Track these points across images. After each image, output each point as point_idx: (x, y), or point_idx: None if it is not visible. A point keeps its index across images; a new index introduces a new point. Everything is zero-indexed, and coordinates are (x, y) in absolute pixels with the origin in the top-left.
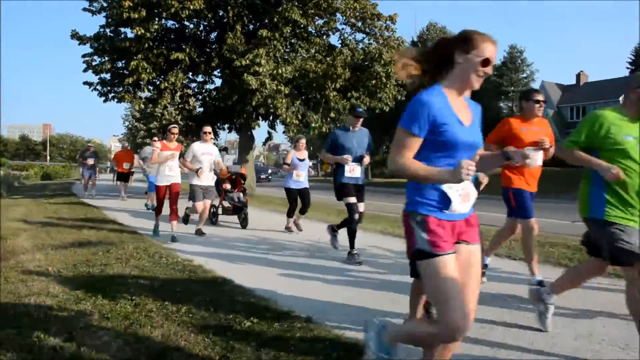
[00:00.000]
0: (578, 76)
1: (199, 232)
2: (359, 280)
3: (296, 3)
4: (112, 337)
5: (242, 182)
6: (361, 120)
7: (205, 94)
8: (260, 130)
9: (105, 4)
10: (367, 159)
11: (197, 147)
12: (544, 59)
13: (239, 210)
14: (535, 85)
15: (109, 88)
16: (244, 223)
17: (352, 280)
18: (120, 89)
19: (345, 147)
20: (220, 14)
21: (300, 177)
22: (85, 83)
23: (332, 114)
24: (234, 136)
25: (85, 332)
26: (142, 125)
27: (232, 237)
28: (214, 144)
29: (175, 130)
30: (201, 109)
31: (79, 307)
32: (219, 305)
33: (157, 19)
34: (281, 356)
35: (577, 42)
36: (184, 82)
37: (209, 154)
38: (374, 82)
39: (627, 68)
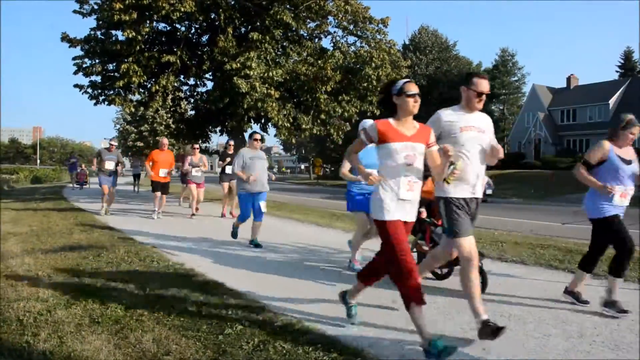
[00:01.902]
0: (569, 79)
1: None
2: (351, 282)
3: (288, 6)
4: (102, 342)
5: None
6: None
7: (197, 97)
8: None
9: (96, 7)
10: None
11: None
12: (535, 63)
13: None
14: (526, 88)
15: (99, 91)
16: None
17: (345, 283)
18: (111, 92)
19: None
20: (212, 16)
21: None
22: (75, 86)
23: (323, 117)
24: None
25: (75, 337)
26: (133, 128)
27: (223, 241)
28: (206, 147)
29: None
30: (192, 112)
31: (69, 312)
32: (210, 309)
33: (148, 21)
34: (273, 359)
35: (568, 45)
36: (176, 85)
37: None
38: (365, 84)
39: (617, 72)
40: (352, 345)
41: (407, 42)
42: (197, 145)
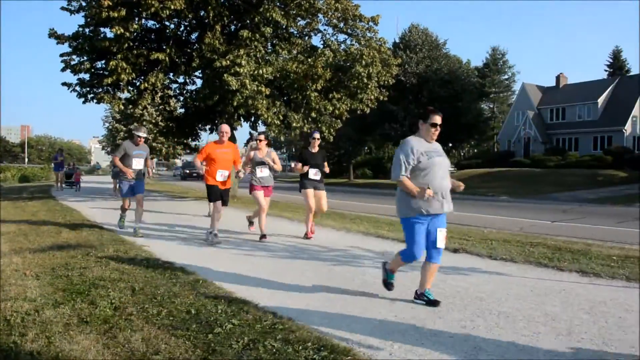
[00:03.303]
0: (558, 78)
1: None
2: (341, 281)
3: (277, 3)
4: (91, 342)
5: None
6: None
7: (186, 95)
8: (242, 131)
9: (84, 3)
10: None
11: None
12: (525, 61)
13: None
14: (516, 86)
15: (88, 89)
16: None
17: (335, 281)
18: (100, 89)
19: None
20: (201, 14)
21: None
22: (64, 84)
23: (313, 114)
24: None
25: (63, 337)
26: (122, 126)
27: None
28: (195, 145)
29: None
30: (182, 110)
31: (57, 312)
32: (200, 307)
33: (137, 18)
34: (263, 358)
35: (558, 44)
36: (165, 82)
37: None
38: (355, 82)
39: (605, 70)
40: (342, 343)
41: (397, 41)
42: (262, 137)
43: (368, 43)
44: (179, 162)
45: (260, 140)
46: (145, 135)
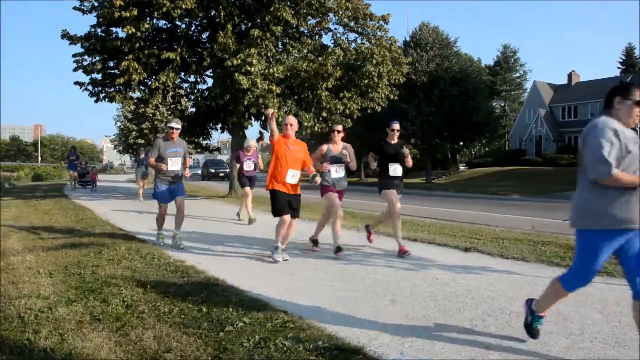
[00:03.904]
0: (570, 76)
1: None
2: (352, 280)
3: (288, 3)
4: (103, 339)
5: None
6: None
7: (197, 94)
8: (252, 130)
9: (96, 3)
10: None
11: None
12: (536, 59)
13: None
14: (528, 84)
15: (100, 88)
16: None
17: (345, 279)
18: (111, 89)
19: None
20: (212, 13)
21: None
22: (76, 83)
23: (324, 114)
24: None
25: (76, 334)
26: (134, 125)
27: (224, 237)
28: (206, 144)
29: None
30: (193, 109)
31: (70, 309)
32: (211, 306)
33: (148, 18)
34: (274, 356)
35: (570, 42)
36: (176, 82)
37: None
38: (366, 81)
39: (618, 68)
40: (352, 342)
41: (407, 39)
42: (339, 127)
43: (379, 42)
44: (190, 161)
45: (338, 132)
46: (178, 125)
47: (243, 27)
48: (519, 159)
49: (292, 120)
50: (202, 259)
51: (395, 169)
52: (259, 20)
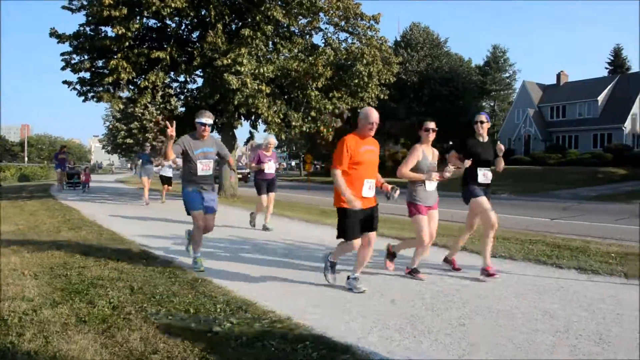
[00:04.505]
0: (558, 76)
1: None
2: (341, 280)
3: (279, 2)
4: (89, 341)
5: None
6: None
7: (187, 94)
8: (242, 130)
9: (85, 2)
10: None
11: None
12: (526, 59)
13: None
14: (517, 84)
15: (88, 87)
16: None
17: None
18: (100, 88)
19: None
20: (202, 12)
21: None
22: (64, 82)
23: (313, 114)
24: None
25: (61, 337)
26: (123, 125)
27: (212, 238)
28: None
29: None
30: (183, 109)
31: (55, 311)
32: (199, 307)
33: (138, 17)
34: (261, 357)
35: (559, 43)
36: (165, 81)
37: None
38: (356, 81)
39: (606, 68)
40: (340, 341)
41: (398, 39)
42: (432, 124)
43: (369, 42)
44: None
45: (434, 130)
46: (209, 121)
47: (233, 26)
48: (508, 158)
49: (373, 114)
50: (189, 259)
51: (485, 174)
52: (249, 20)
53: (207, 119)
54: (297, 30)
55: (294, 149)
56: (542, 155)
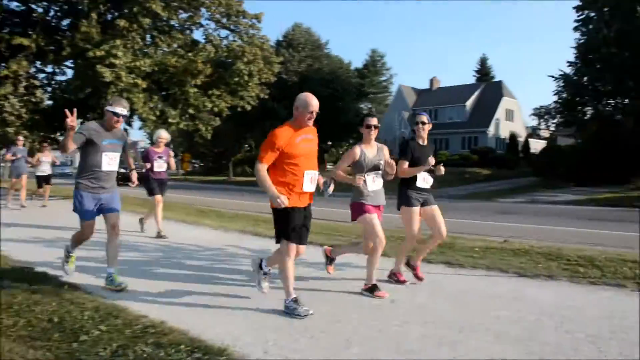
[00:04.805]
0: (431, 81)
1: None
2: (218, 280)
3: None
4: None
5: None
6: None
7: (55, 86)
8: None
9: None
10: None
11: None
12: (402, 64)
13: None
14: (393, 88)
15: None
16: None
17: (211, 280)
18: None
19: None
20: None
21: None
22: None
23: (192, 111)
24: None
25: None
26: None
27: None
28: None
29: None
30: (50, 102)
31: None
32: (64, 314)
33: None
34: None
35: (432, 50)
36: (30, 71)
37: None
38: (236, 79)
39: (474, 76)
40: (216, 344)
41: (280, 39)
42: (374, 121)
43: (250, 40)
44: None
45: (375, 127)
46: (124, 112)
47: (109, 16)
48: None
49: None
50: (54, 264)
51: (425, 179)
52: (126, 11)
53: (122, 109)
54: (176, 25)
55: (172, 147)
56: None
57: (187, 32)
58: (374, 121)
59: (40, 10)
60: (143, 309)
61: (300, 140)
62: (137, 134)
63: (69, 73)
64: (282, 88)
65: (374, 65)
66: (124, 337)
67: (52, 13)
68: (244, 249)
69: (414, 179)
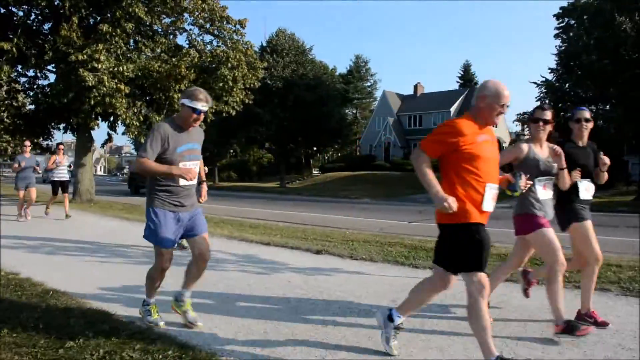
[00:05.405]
0: (415, 87)
1: None
2: (205, 286)
3: None
4: None
5: None
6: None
7: (37, 90)
8: (99, 132)
9: None
10: None
11: None
12: (386, 70)
13: None
14: (378, 94)
15: None
16: None
17: (198, 286)
18: None
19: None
20: (56, 3)
21: None
22: None
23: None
24: (71, 137)
25: None
26: None
27: (64, 246)
28: (47, 145)
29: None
30: (32, 107)
31: None
32: (50, 321)
33: None
34: None
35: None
36: (11, 75)
37: None
38: (220, 85)
39: (457, 82)
40: (205, 350)
41: (264, 44)
42: (548, 114)
43: (235, 46)
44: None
45: (546, 122)
46: (206, 108)
47: (91, 20)
48: (370, 164)
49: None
50: (39, 270)
51: (588, 189)
52: (109, 15)
53: (204, 104)
54: (160, 30)
55: None
56: (401, 162)
57: (171, 37)
58: (545, 115)
59: (21, 13)
60: (130, 315)
61: (483, 140)
62: (121, 140)
63: (52, 77)
64: (267, 94)
65: (358, 70)
66: (111, 343)
67: (33, 17)
68: (230, 254)
69: (575, 189)
